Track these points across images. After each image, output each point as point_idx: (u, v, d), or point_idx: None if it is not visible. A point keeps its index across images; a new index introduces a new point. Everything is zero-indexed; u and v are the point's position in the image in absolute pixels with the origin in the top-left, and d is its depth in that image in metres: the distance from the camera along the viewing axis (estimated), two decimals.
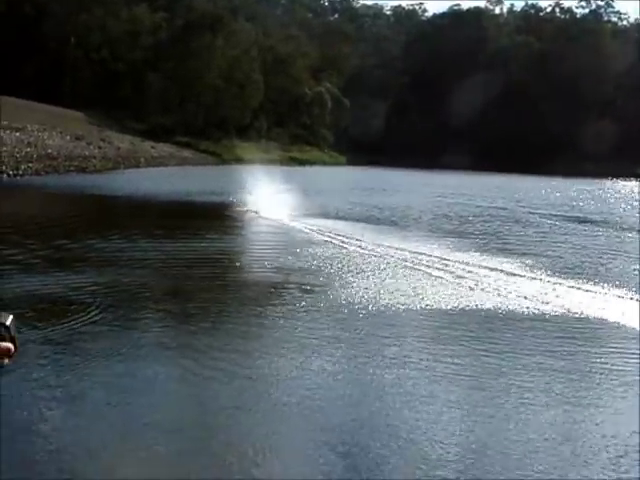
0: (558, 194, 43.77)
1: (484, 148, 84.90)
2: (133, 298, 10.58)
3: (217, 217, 22.75)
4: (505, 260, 15.44)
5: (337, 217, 23.49)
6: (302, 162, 76.87)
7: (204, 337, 8.77)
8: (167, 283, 12.09)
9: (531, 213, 28.93)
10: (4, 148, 35.39)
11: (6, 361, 1.83)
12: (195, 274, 12.92)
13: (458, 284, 12.61)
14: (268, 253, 15.84)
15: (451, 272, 13.66)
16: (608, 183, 63.16)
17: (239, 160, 71.32)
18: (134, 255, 14.40)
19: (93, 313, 9.28)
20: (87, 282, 11.31)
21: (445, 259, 15.03)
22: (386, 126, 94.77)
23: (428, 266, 14.24)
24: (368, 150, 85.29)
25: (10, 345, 1.84)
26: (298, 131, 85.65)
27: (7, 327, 1.88)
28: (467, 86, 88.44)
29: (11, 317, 1.90)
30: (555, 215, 28.65)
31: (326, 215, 23.66)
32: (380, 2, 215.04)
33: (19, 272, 11.89)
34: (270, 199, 24.88)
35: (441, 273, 13.56)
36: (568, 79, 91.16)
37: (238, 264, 14.73)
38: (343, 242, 17.34)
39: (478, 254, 16.16)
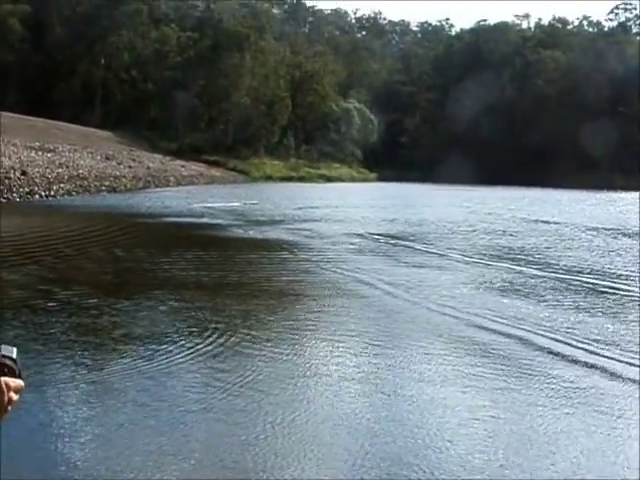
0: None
1: (516, 162, 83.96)
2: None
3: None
4: None
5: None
6: (330, 179, 76.76)
7: None
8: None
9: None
10: (36, 169, 35.57)
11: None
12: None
13: None
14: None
15: None
16: None
17: (268, 178, 71.64)
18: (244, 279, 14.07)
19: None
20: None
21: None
22: (415, 142, 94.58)
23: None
24: (397, 166, 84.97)
25: (22, 382, 1.61)
26: (326, 148, 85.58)
27: (14, 360, 1.63)
28: (495, 101, 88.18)
29: (15, 349, 1.66)
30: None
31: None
32: (407, 19, 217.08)
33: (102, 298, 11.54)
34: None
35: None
36: (597, 92, 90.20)
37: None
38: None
39: None
